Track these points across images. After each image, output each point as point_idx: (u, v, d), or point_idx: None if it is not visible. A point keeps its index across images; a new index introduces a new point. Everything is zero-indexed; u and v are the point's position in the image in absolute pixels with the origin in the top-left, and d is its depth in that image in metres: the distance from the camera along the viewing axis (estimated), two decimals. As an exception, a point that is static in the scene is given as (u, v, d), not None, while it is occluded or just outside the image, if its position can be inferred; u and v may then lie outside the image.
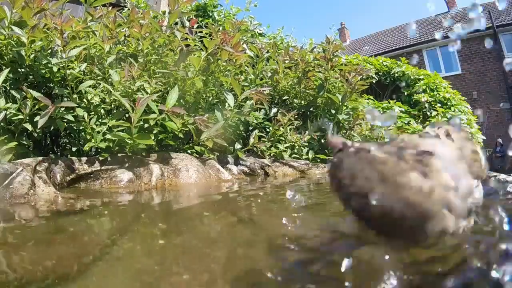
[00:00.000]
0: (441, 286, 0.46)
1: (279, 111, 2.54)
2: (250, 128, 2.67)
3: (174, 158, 1.77)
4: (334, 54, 2.77)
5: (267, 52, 2.79)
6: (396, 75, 6.54)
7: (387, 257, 0.54)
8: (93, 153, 1.92)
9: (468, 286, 0.47)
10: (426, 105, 5.80)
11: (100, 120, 1.84)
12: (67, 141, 2.06)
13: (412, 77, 6.44)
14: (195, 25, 2.39)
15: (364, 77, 2.75)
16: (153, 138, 1.71)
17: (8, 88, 1.71)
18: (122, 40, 2.18)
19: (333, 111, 2.79)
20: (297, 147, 2.49)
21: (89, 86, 1.83)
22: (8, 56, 1.73)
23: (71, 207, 1.11)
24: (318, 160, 2.46)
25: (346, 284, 0.48)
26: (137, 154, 1.76)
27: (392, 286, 0.46)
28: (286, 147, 2.43)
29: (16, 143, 1.52)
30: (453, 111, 5.71)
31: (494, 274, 0.46)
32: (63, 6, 1.95)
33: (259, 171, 2.12)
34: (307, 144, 2.52)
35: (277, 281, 0.52)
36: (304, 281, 0.51)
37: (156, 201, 1.32)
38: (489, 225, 0.69)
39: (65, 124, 1.68)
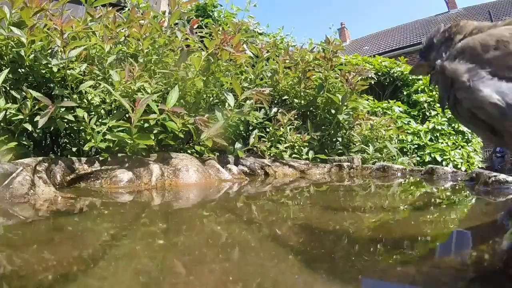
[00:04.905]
0: None
1: (279, 111, 2.54)
2: (250, 128, 2.67)
3: (174, 158, 1.77)
4: (334, 54, 2.77)
5: (267, 52, 2.79)
6: (395, 75, 6.54)
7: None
8: (93, 153, 1.91)
9: None
10: (425, 105, 5.80)
11: (100, 120, 1.84)
12: (67, 141, 2.06)
13: (411, 77, 6.43)
14: (195, 25, 2.39)
15: (364, 77, 2.75)
16: (153, 138, 1.71)
17: (8, 88, 1.71)
18: (122, 40, 2.18)
19: (333, 111, 2.78)
20: (297, 147, 2.49)
21: (90, 87, 1.83)
22: (8, 57, 1.72)
23: (71, 207, 1.11)
24: (318, 160, 2.46)
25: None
26: (137, 154, 1.76)
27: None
28: (286, 147, 2.43)
29: (16, 143, 1.52)
30: (453, 111, 5.69)
31: None
32: (63, 7, 1.95)
33: (259, 171, 2.12)
34: (307, 144, 2.52)
35: (277, 284, 0.52)
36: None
37: (156, 201, 1.32)
38: None
39: (65, 124, 1.68)
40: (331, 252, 0.65)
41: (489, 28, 0.64)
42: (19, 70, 1.76)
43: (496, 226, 0.80)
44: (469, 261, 0.57)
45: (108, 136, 1.69)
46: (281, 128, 2.47)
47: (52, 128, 1.76)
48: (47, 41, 1.78)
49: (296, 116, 2.58)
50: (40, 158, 1.43)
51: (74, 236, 0.80)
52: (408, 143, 4.80)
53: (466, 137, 5.18)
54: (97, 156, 1.73)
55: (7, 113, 1.56)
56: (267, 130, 2.60)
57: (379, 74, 6.47)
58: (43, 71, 1.80)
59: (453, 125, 5.21)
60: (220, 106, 2.07)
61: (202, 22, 4.98)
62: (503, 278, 0.51)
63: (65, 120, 1.67)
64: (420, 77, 6.41)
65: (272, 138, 2.48)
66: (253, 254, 0.65)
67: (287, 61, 2.81)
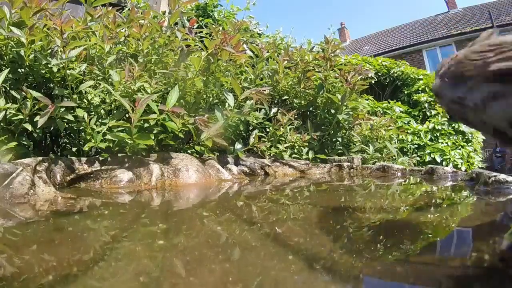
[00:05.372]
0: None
1: (279, 111, 2.54)
2: (250, 128, 2.67)
3: (174, 158, 1.77)
4: (333, 53, 2.77)
5: (267, 52, 2.79)
6: (395, 75, 6.54)
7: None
8: (93, 153, 1.91)
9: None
10: (426, 104, 5.80)
11: (100, 120, 1.84)
12: (67, 141, 2.06)
13: (411, 77, 6.44)
14: (195, 25, 2.39)
15: (363, 77, 2.75)
16: (153, 138, 1.71)
17: (8, 88, 1.71)
18: (122, 40, 2.18)
19: (333, 111, 2.78)
20: (297, 147, 2.49)
21: (89, 87, 1.83)
22: (7, 57, 1.73)
23: (71, 207, 1.11)
24: (318, 160, 2.46)
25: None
26: (137, 154, 1.76)
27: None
28: (286, 147, 2.43)
29: (16, 143, 1.52)
30: (453, 111, 5.68)
31: None
32: (63, 6, 1.95)
33: (259, 171, 2.12)
34: (307, 144, 2.52)
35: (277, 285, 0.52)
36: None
37: (156, 201, 1.32)
38: None
39: (65, 124, 1.68)
40: (332, 252, 0.65)
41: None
42: (19, 70, 1.76)
43: (496, 226, 0.80)
44: (469, 261, 0.57)
45: (108, 136, 1.69)
46: (281, 128, 2.47)
47: (52, 128, 1.76)
48: (47, 41, 1.78)
49: (296, 116, 2.58)
50: (40, 158, 1.43)
51: (74, 236, 0.80)
52: (408, 143, 4.79)
53: (466, 137, 5.17)
54: (97, 156, 1.73)
55: (7, 113, 1.56)
56: (267, 130, 2.60)
57: (379, 74, 6.47)
58: (43, 71, 1.80)
59: (453, 125, 5.21)
60: (220, 106, 2.07)
61: (202, 22, 4.98)
62: (503, 278, 0.51)
63: (65, 120, 1.67)
64: (421, 76, 6.43)
65: (272, 138, 2.48)
66: (253, 254, 0.65)
67: (287, 61, 2.81)
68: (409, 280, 0.51)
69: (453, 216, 0.98)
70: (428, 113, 5.73)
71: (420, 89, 6.16)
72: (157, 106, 1.72)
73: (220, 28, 3.18)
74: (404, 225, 0.87)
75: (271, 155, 2.38)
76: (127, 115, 1.76)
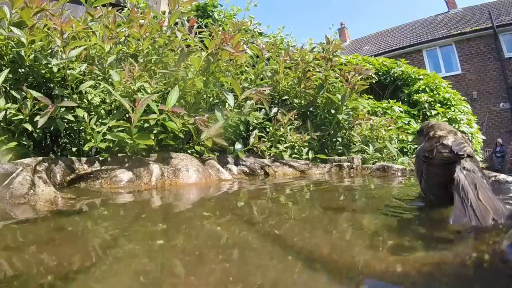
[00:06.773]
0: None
1: (279, 111, 2.54)
2: (250, 128, 2.67)
3: (174, 158, 1.77)
4: (334, 54, 2.77)
5: (268, 52, 2.79)
6: (396, 74, 6.53)
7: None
8: (93, 153, 1.91)
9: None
10: (426, 105, 5.79)
11: (100, 120, 1.84)
12: (67, 141, 2.06)
13: (412, 77, 6.44)
14: (195, 25, 2.39)
15: (364, 77, 2.74)
16: (153, 138, 1.71)
17: (8, 88, 1.71)
18: (123, 40, 2.18)
19: (333, 111, 2.78)
20: (297, 147, 2.49)
21: (90, 87, 1.83)
22: (8, 57, 1.73)
23: (71, 207, 1.11)
24: (318, 160, 2.46)
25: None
26: (137, 154, 1.76)
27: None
28: (286, 147, 2.43)
29: (16, 143, 1.52)
30: (453, 111, 5.69)
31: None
32: (63, 7, 1.95)
33: (259, 171, 2.12)
34: (307, 144, 2.52)
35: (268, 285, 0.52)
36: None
37: (156, 201, 1.32)
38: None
39: (65, 124, 1.68)
40: (331, 252, 0.65)
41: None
42: (19, 70, 1.76)
43: (496, 226, 0.80)
44: (469, 261, 0.57)
45: (108, 136, 1.69)
46: (281, 128, 2.47)
47: (52, 128, 1.76)
48: (47, 41, 1.78)
49: (296, 116, 2.58)
50: (40, 158, 1.43)
51: (74, 236, 0.80)
52: (409, 143, 4.79)
53: (466, 138, 5.16)
54: (97, 156, 1.73)
55: (7, 113, 1.56)
56: (267, 130, 2.60)
57: (379, 74, 6.47)
58: (43, 71, 1.80)
59: (453, 125, 5.21)
60: (220, 106, 2.07)
61: (202, 22, 4.98)
62: (503, 278, 0.51)
63: (65, 120, 1.67)
64: (421, 76, 6.43)
65: (272, 138, 2.48)
66: (253, 254, 0.65)
67: (287, 61, 2.81)
68: (409, 280, 0.51)
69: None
70: (428, 113, 5.72)
71: (420, 89, 6.15)
72: (157, 106, 1.72)
73: (220, 29, 3.18)
74: (404, 226, 0.87)
75: (271, 155, 2.38)
76: (127, 115, 1.76)
